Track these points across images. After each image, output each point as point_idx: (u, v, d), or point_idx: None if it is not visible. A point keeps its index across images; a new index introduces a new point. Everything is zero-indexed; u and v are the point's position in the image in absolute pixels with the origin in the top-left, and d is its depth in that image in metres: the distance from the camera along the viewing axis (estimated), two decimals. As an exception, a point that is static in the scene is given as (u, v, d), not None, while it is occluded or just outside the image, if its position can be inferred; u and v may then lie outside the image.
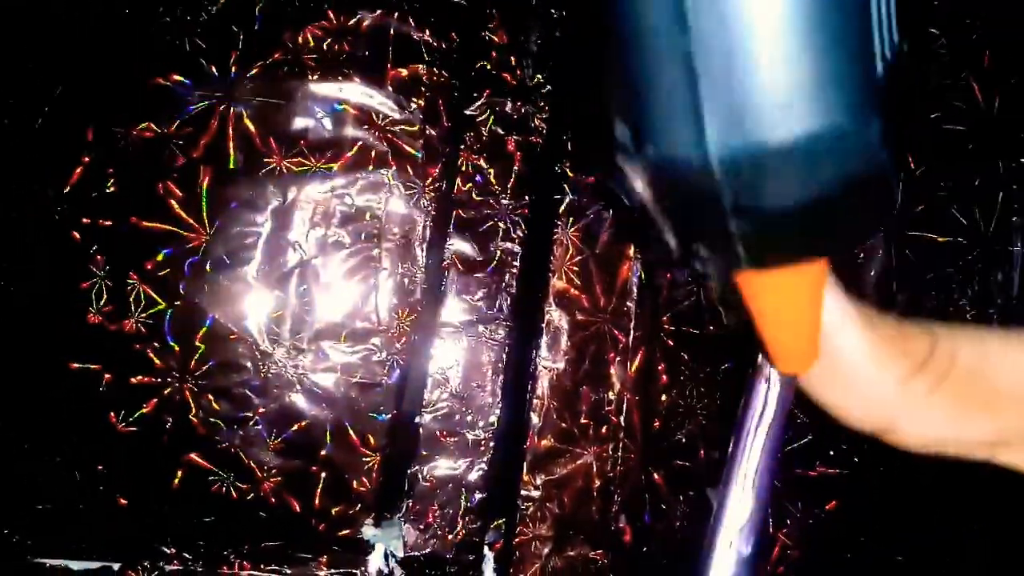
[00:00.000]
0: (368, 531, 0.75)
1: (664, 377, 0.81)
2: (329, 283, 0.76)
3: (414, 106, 0.79)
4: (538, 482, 0.78)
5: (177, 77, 0.74)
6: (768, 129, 0.24)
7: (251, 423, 0.74)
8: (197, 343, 0.74)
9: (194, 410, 0.73)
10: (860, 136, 0.25)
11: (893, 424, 0.38)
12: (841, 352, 0.37)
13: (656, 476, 0.80)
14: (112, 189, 0.73)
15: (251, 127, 0.75)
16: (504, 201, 0.81)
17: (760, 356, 0.40)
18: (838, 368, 0.37)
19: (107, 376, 0.72)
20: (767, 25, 0.23)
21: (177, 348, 0.73)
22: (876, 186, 0.28)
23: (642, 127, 0.27)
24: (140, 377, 0.73)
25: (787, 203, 0.27)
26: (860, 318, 0.37)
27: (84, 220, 0.73)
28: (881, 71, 0.26)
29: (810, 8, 0.23)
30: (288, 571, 0.75)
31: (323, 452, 0.75)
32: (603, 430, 0.79)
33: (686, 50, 0.24)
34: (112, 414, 0.72)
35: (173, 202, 0.74)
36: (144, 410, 0.72)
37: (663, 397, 0.81)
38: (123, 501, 0.71)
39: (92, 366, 0.72)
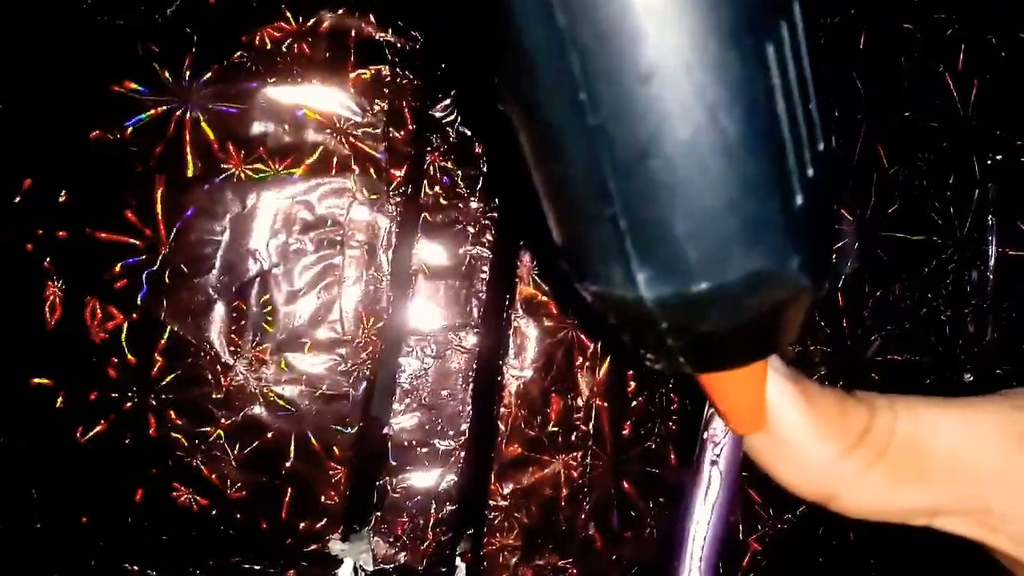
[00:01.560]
0: (335, 545, 0.76)
1: (633, 383, 0.81)
2: (291, 292, 0.76)
3: (377, 108, 0.78)
4: (505, 491, 0.78)
5: (131, 84, 0.73)
6: (692, 280, 0.28)
7: (213, 437, 0.74)
8: (156, 356, 0.73)
9: (154, 425, 0.73)
10: (780, 274, 0.28)
11: (833, 495, 0.40)
12: (782, 428, 0.39)
13: (626, 483, 0.80)
14: (64, 199, 0.72)
15: (208, 133, 0.74)
16: (473, 204, 0.81)
17: (705, 432, 0.42)
18: (780, 443, 0.39)
19: (64, 391, 0.72)
20: (682, 194, 0.26)
21: (135, 361, 0.73)
22: (803, 299, 0.31)
23: (579, 267, 0.31)
24: (98, 392, 0.72)
25: (717, 328, 0.30)
26: (801, 395, 0.39)
27: (37, 231, 0.72)
28: (800, 200, 0.28)
29: (719, 176, 0.26)
30: (255, 584, 0.76)
31: (288, 465, 0.75)
32: (572, 437, 0.79)
33: (612, 214, 0.27)
34: (70, 430, 0.71)
35: (129, 212, 0.73)
36: (103, 426, 0.72)
37: (632, 403, 0.81)
38: (83, 519, 0.71)
39: (49, 381, 0.71)
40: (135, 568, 0.73)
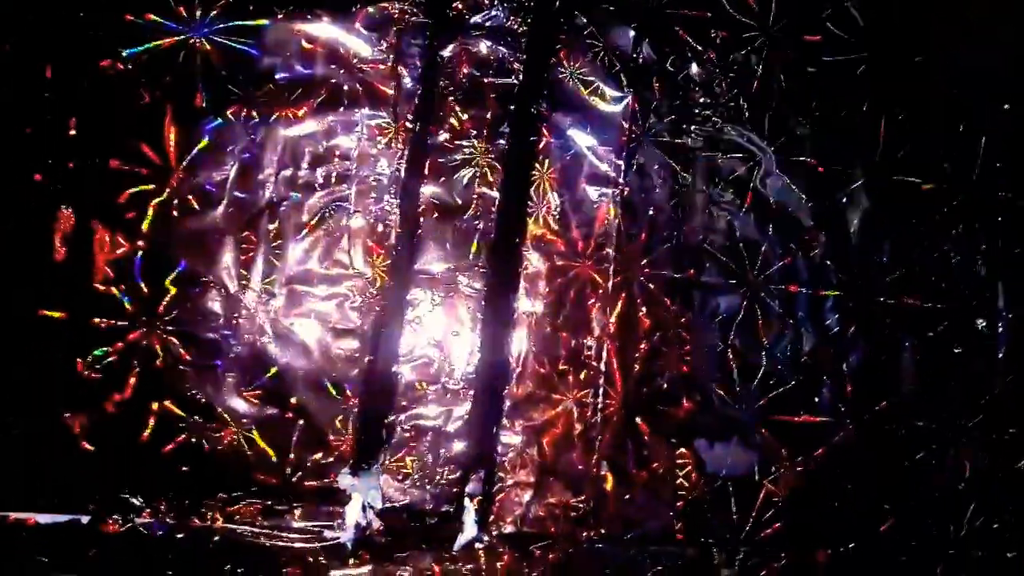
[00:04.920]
0: (344, 480, 0.77)
1: (646, 322, 0.82)
2: (300, 225, 0.77)
3: (385, 45, 0.80)
4: (517, 428, 0.79)
5: (143, 14, 0.75)
6: None
7: (222, 370, 0.75)
8: (164, 287, 0.74)
9: (161, 356, 0.74)
10: None
11: None
12: None
13: (639, 422, 0.81)
14: (74, 127, 0.74)
15: (218, 66, 0.76)
16: (481, 145, 0.83)
17: None
18: None
19: (73, 321, 0.73)
20: None
21: (144, 292, 0.74)
22: None
23: None
24: (107, 321, 0.73)
25: None
26: None
27: (47, 160, 0.73)
28: None
29: None
30: (264, 523, 0.76)
31: (297, 400, 0.76)
32: (582, 376, 0.81)
33: None
34: (78, 360, 0.72)
35: (139, 142, 0.75)
36: (111, 356, 0.73)
37: (644, 343, 0.82)
38: (89, 446, 0.72)
39: (58, 312, 0.73)
40: (141, 501, 0.74)
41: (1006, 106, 0.95)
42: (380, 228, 0.79)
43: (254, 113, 0.77)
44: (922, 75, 0.92)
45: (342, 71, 0.79)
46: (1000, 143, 0.94)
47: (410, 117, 0.81)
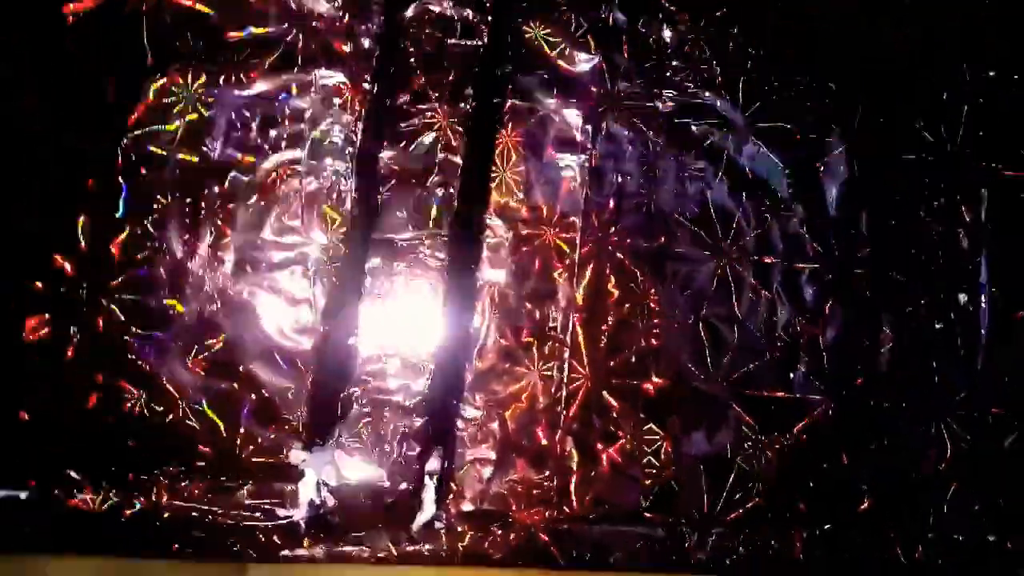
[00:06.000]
0: (297, 455, 0.74)
1: (614, 293, 0.80)
2: (250, 188, 0.74)
3: (341, 1, 0.77)
4: (479, 402, 0.76)
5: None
6: None
7: (168, 339, 0.72)
8: (108, 251, 0.71)
9: (102, 324, 0.71)
10: None
11: None
12: None
13: (606, 396, 0.79)
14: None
15: (168, 21, 0.74)
16: (443, 108, 0.80)
17: None
18: None
19: (14, 284, 0.70)
20: None
21: (88, 256, 0.71)
22: None
23: None
24: (47, 287, 0.70)
25: None
26: None
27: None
28: None
29: None
30: (213, 501, 0.73)
31: (248, 372, 0.74)
32: (547, 348, 0.78)
33: None
34: (18, 325, 0.70)
35: (81, 101, 0.72)
36: (51, 324, 0.70)
37: (611, 315, 0.80)
38: (25, 415, 0.69)
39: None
40: (82, 476, 0.71)
41: (991, 73, 0.92)
42: (336, 193, 0.76)
43: (203, 72, 0.74)
44: (901, 42, 0.90)
45: (296, 29, 0.76)
46: (984, 112, 0.91)
47: (368, 78, 0.78)
